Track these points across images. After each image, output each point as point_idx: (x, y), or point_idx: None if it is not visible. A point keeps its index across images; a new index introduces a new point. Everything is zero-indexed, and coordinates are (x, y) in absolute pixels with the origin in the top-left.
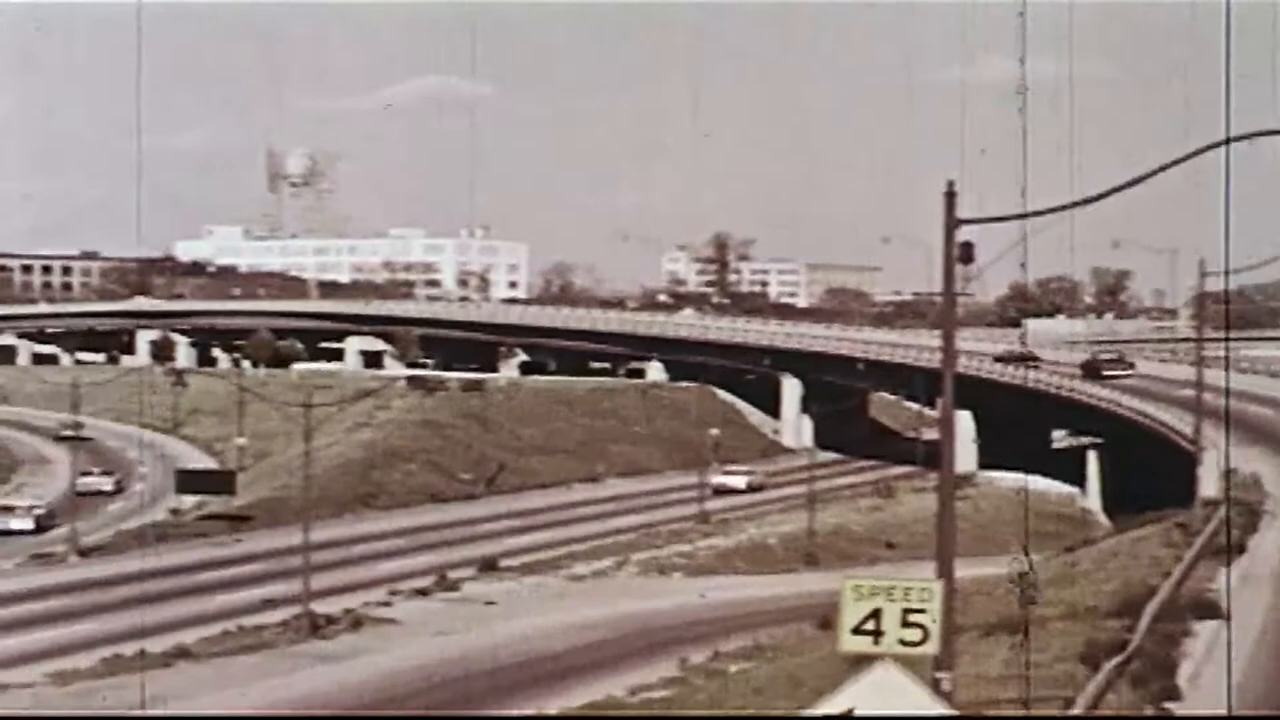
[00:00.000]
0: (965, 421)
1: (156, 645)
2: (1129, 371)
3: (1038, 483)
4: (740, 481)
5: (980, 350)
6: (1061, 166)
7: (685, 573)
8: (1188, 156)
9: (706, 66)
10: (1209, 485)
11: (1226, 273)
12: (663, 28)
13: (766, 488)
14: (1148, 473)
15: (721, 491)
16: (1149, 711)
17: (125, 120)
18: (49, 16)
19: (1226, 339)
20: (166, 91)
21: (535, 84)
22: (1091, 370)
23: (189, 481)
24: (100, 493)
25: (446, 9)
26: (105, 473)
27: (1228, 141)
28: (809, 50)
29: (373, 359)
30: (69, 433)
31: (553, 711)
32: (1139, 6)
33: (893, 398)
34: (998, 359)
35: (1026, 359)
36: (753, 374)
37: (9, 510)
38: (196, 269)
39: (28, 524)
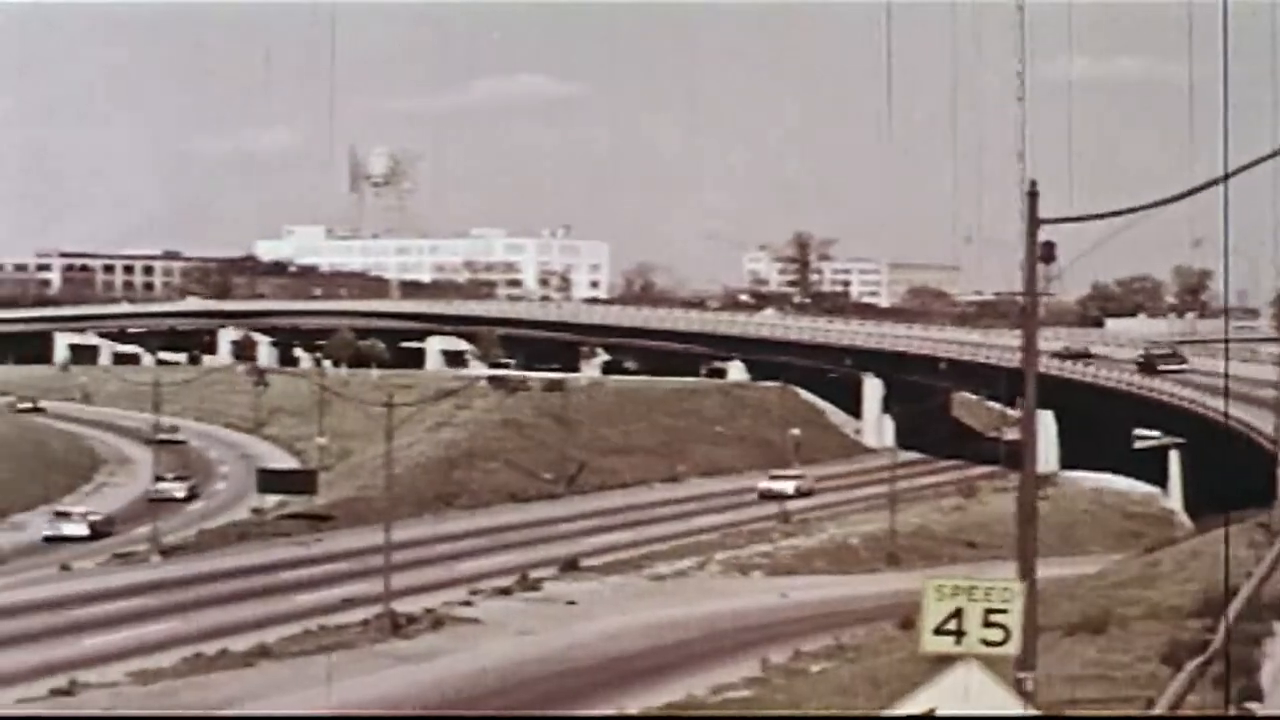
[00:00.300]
0: (1047, 421)
1: (238, 644)
2: (1183, 366)
3: (1120, 483)
4: (788, 486)
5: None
6: (1147, 165)
7: (766, 572)
8: (1268, 157)
9: (785, 67)
10: None
11: None
12: (740, 28)
13: (817, 492)
14: (1230, 473)
15: (768, 497)
16: (1232, 712)
17: (206, 120)
18: (132, 18)
19: None
20: (250, 91)
21: (620, 83)
22: (1147, 366)
23: (271, 481)
24: (173, 499)
25: (535, 9)
26: (180, 478)
27: None
28: (888, 50)
29: (454, 359)
30: (164, 436)
31: (634, 711)
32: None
33: (974, 397)
34: (1053, 355)
35: (1082, 355)
36: (834, 374)
37: (65, 516)
38: (278, 269)
39: (82, 530)
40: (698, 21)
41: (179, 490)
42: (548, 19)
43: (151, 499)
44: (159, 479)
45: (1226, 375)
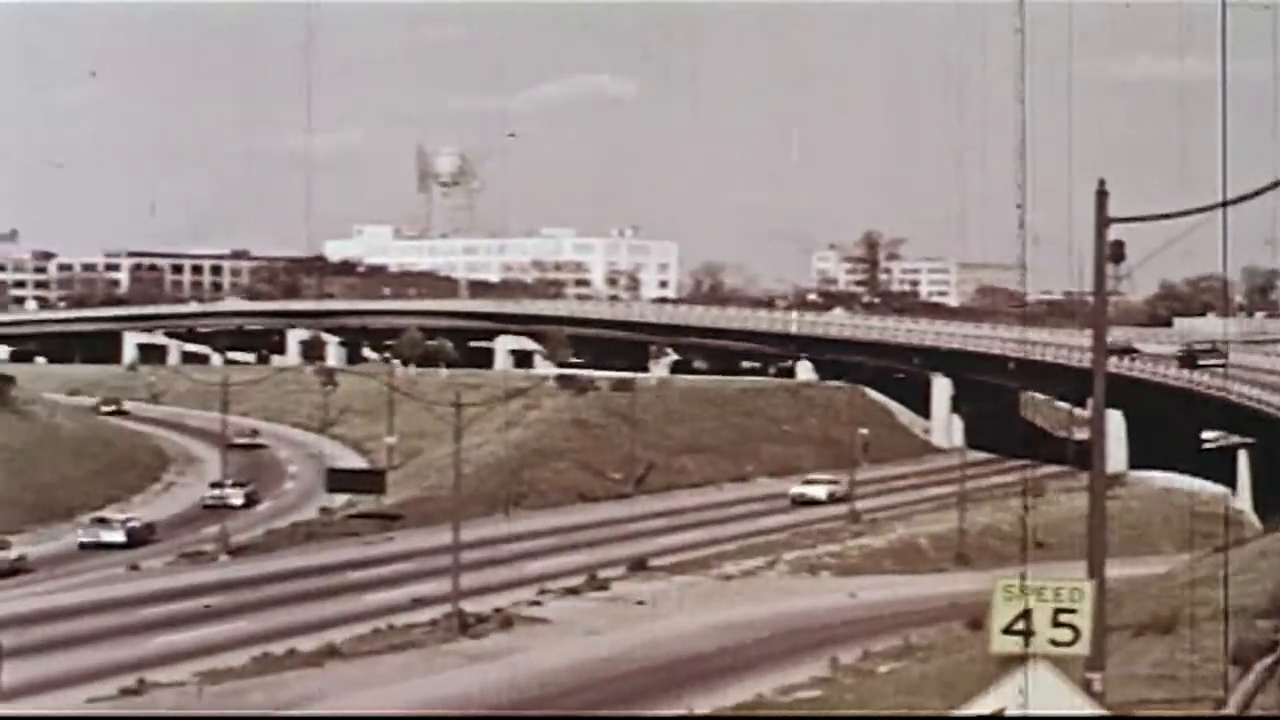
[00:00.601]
0: (1116, 421)
1: (306, 644)
2: (1223, 362)
3: (1189, 483)
4: (820, 492)
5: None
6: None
7: (835, 572)
8: None
9: (855, 65)
10: None
11: None
12: (810, 27)
13: (853, 498)
14: None
15: (800, 503)
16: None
17: (275, 120)
18: (206, 18)
19: None
20: (319, 91)
21: (687, 83)
22: (1187, 360)
23: (339, 481)
24: (229, 506)
25: (600, 9)
26: (238, 484)
27: None
28: (960, 47)
29: (523, 358)
30: (245, 440)
31: (704, 711)
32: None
33: (1043, 397)
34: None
35: (1126, 350)
36: (903, 373)
37: (104, 523)
38: (346, 269)
39: (119, 537)
40: (765, 22)
41: (235, 497)
42: (615, 20)
43: (207, 505)
44: (216, 484)
45: None
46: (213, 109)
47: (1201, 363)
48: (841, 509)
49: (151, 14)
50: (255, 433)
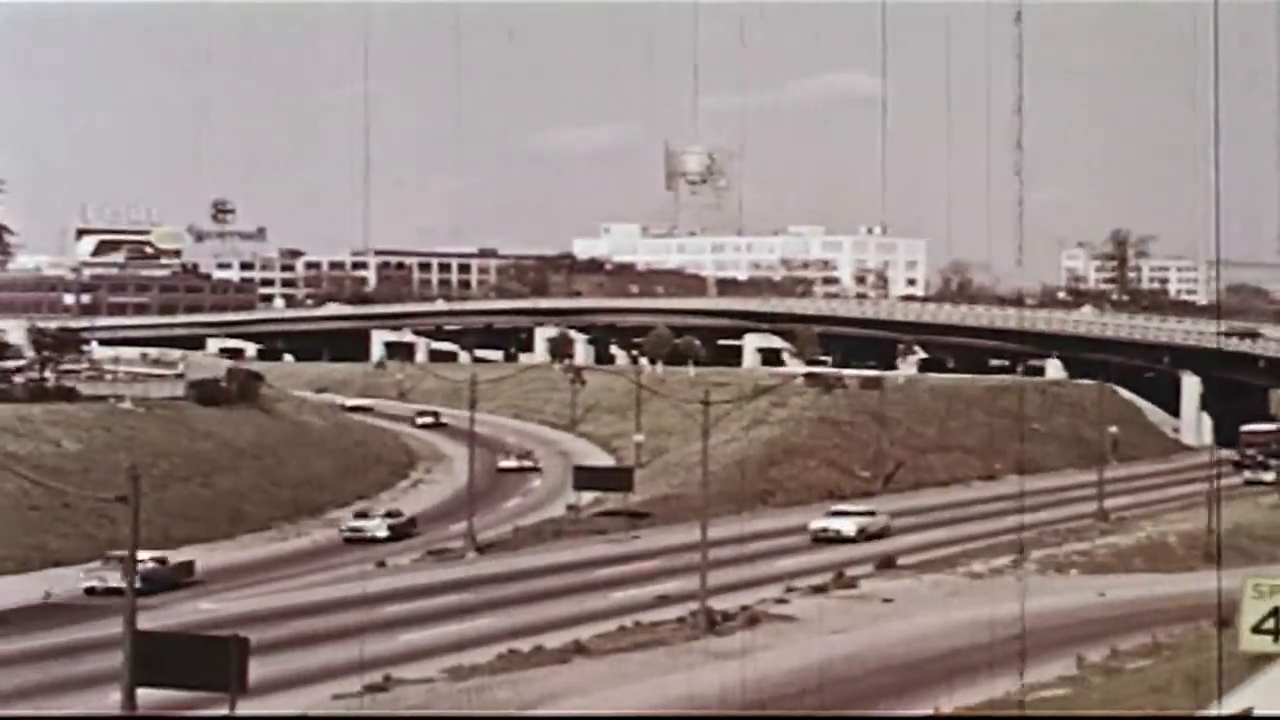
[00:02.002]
0: None
1: (553, 641)
2: None
3: None
4: (849, 527)
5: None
6: None
7: (1083, 570)
8: None
9: (1106, 66)
10: None
11: None
12: (1058, 24)
13: (891, 532)
14: None
15: (821, 540)
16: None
17: (522, 118)
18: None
19: None
20: (568, 89)
21: (937, 80)
22: None
23: (587, 478)
24: (373, 540)
25: (851, 9)
26: (389, 514)
27: None
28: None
29: (770, 356)
30: (513, 464)
31: (948, 711)
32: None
33: None
34: (1219, 334)
35: (1250, 334)
36: (1152, 371)
37: (364, 516)
38: (594, 266)
39: (382, 532)
40: (1016, 19)
41: (379, 529)
42: (862, 18)
43: (347, 539)
44: (360, 514)
45: None
46: (466, 109)
47: None
48: (1090, 507)
49: (410, 13)
50: (528, 454)
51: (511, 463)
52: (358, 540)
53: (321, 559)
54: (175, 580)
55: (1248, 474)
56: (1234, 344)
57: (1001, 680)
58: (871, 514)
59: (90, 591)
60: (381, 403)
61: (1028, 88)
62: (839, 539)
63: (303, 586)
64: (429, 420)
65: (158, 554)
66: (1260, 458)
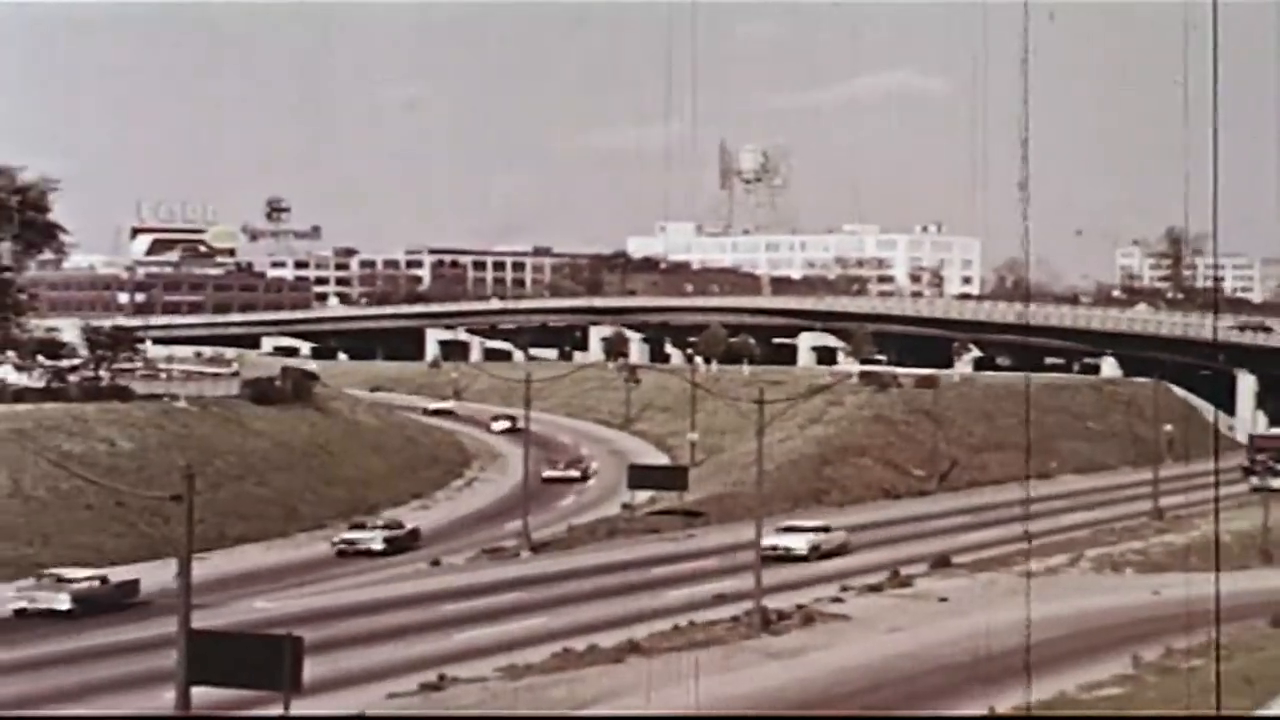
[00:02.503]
0: None
1: (607, 640)
2: None
3: None
4: (799, 543)
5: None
6: None
7: (1138, 569)
8: None
9: (1160, 66)
10: None
11: None
12: (1118, 24)
13: (850, 549)
14: None
15: (773, 558)
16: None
17: (574, 116)
18: (491, 16)
19: None
20: (625, 88)
21: (998, 80)
22: None
23: (642, 477)
24: (368, 552)
25: (905, 8)
26: (386, 525)
27: None
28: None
29: (825, 355)
30: (559, 474)
31: (1002, 711)
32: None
33: None
34: (1231, 327)
35: (1260, 327)
36: (1207, 370)
37: (360, 528)
38: (649, 265)
39: (378, 544)
40: (1077, 18)
41: (374, 542)
42: (916, 17)
43: (341, 551)
44: (354, 526)
45: None
46: (523, 109)
47: None
48: (1145, 505)
49: (468, 13)
50: (582, 463)
51: (556, 472)
52: (351, 553)
53: (378, 557)
54: (117, 601)
55: (1254, 480)
56: (1247, 337)
57: (1057, 679)
58: (826, 529)
59: (20, 614)
60: (459, 405)
61: (1089, 86)
62: (789, 557)
63: (358, 585)
64: (506, 425)
65: (98, 573)
66: (1271, 464)
